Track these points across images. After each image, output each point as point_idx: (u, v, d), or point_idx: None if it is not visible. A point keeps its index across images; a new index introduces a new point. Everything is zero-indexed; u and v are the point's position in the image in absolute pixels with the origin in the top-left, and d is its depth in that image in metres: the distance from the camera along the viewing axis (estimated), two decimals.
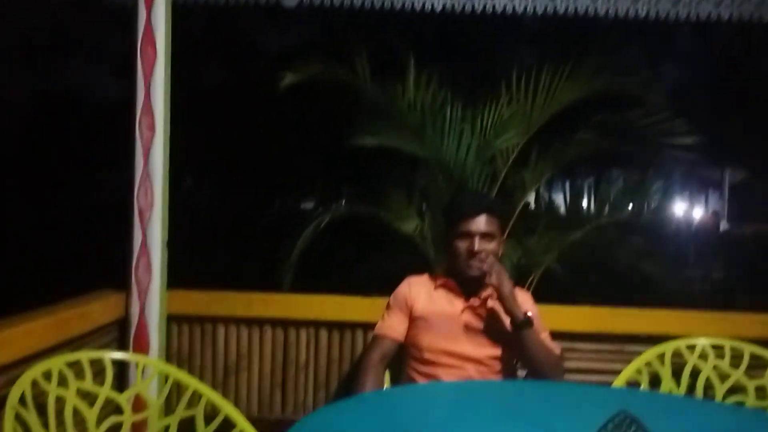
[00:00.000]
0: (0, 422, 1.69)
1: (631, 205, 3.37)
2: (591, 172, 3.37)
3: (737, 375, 2.39)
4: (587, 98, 2.86)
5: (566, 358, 2.53)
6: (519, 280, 2.79)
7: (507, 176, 2.93)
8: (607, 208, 3.17)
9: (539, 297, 2.50)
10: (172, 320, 2.63)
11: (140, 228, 2.46)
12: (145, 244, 2.46)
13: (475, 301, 2.24)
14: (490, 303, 2.22)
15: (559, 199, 3.53)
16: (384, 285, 2.47)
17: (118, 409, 2.05)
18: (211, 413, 2.03)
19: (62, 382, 1.87)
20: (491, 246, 2.23)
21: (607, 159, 3.20)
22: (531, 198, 3.32)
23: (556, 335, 2.39)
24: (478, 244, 2.20)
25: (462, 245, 2.22)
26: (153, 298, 2.49)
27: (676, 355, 2.43)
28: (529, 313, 2.15)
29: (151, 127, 2.45)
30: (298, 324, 2.68)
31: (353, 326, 2.66)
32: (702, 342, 2.44)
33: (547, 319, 2.38)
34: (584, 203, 3.32)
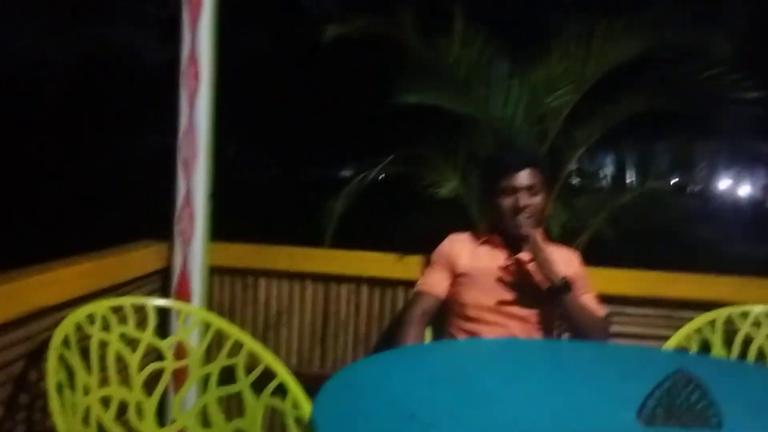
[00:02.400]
0: (44, 363, 1.71)
1: (680, 171, 3.26)
2: (643, 134, 3.24)
3: None
4: (644, 53, 2.73)
5: (614, 323, 2.47)
6: (567, 243, 2.71)
7: (557, 136, 2.83)
8: (655, 174, 3.06)
9: (588, 260, 2.43)
10: (215, 272, 2.63)
11: (184, 178, 2.45)
12: (188, 194, 2.45)
13: (520, 258, 2.19)
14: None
15: (610, 162, 3.43)
16: (427, 244, 2.43)
17: (159, 357, 2.07)
18: (251, 364, 2.03)
19: (106, 326, 1.89)
20: (536, 200, 2.17)
21: (660, 121, 3.06)
22: (581, 159, 3.22)
23: (604, 299, 2.33)
24: (522, 199, 2.15)
25: (506, 202, 2.17)
26: (196, 249, 2.48)
27: (728, 322, 2.34)
28: (563, 278, 2.10)
29: (196, 76, 2.42)
30: (340, 279, 2.66)
31: (395, 284, 2.63)
32: (756, 309, 2.35)
33: (595, 282, 2.32)
34: (634, 167, 3.21)
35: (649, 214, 3.03)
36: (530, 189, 2.17)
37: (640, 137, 3.24)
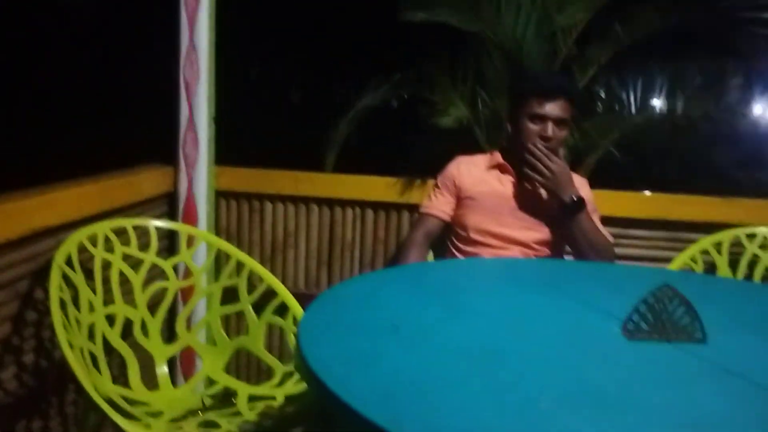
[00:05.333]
0: (46, 283, 1.75)
1: (704, 93, 3.17)
2: (664, 57, 3.13)
3: None
4: None
5: (618, 245, 2.46)
6: (575, 165, 2.67)
7: (567, 56, 2.75)
8: (676, 96, 2.98)
9: (596, 183, 2.40)
10: (221, 196, 2.65)
11: (186, 101, 2.44)
12: (191, 118, 2.45)
13: (527, 183, 2.15)
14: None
15: (626, 85, 3.34)
16: (432, 168, 2.41)
17: (166, 278, 2.11)
18: (254, 285, 2.06)
19: (109, 247, 1.92)
20: (563, 134, 2.10)
21: (682, 42, 2.94)
22: (595, 80, 3.13)
23: (609, 221, 2.31)
24: (551, 129, 2.07)
25: (533, 127, 2.08)
26: (201, 173, 2.50)
27: (735, 244, 2.33)
28: (577, 196, 2.05)
29: None
30: (344, 204, 2.67)
31: (399, 207, 2.64)
32: (762, 230, 2.32)
33: (600, 205, 2.29)
34: (655, 90, 3.12)
35: (659, 138, 2.97)
36: (560, 121, 2.08)
37: (666, 59, 3.13)
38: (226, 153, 2.60)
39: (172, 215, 2.53)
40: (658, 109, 3.03)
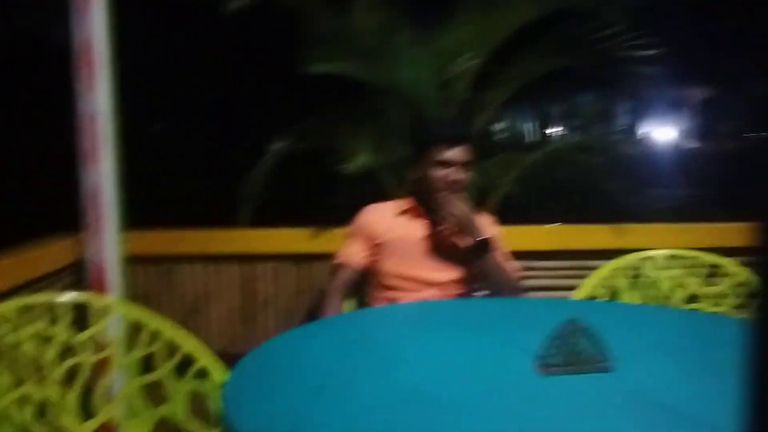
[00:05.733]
0: None
1: (595, 126, 3.38)
2: (556, 94, 3.32)
3: (694, 284, 2.43)
4: (547, 15, 2.79)
5: (527, 277, 2.56)
6: (479, 204, 2.77)
7: (465, 100, 2.88)
8: (569, 130, 3.17)
9: (501, 220, 2.50)
10: (132, 261, 2.59)
11: (89, 168, 2.39)
12: (95, 184, 2.40)
13: (436, 227, 2.23)
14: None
15: (523, 123, 3.50)
16: (344, 216, 2.45)
17: (78, 351, 2.04)
18: (174, 351, 2.02)
19: (16, 327, 1.85)
20: (467, 177, 2.20)
21: (572, 80, 3.14)
22: (492, 121, 3.28)
23: (516, 255, 2.40)
24: (456, 173, 2.17)
25: (439, 174, 2.19)
26: (108, 239, 2.44)
27: (634, 267, 2.46)
28: (483, 237, 2.14)
29: (93, 62, 2.36)
30: (260, 258, 2.67)
31: (315, 258, 2.66)
32: (659, 253, 2.47)
33: (507, 240, 2.39)
34: (548, 126, 3.30)
35: (560, 172, 3.13)
36: (464, 165, 2.19)
37: (558, 93, 3.32)
38: (134, 216, 2.56)
39: (80, 285, 2.45)
40: (553, 144, 3.20)
